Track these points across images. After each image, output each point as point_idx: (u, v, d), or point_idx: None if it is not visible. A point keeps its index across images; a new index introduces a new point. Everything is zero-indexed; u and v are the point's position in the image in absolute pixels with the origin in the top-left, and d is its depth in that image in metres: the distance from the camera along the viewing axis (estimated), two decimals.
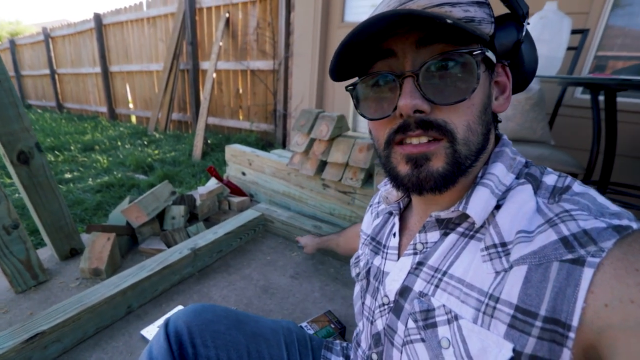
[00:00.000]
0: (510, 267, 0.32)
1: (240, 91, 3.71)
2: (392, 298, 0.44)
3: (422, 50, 0.35)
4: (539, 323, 0.29)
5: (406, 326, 0.40)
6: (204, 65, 3.87)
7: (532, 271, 0.30)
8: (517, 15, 0.38)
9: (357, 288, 0.56)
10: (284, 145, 3.36)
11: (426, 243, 0.42)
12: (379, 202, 0.60)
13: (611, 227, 0.28)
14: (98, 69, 5.24)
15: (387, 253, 0.49)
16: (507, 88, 0.41)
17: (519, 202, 0.35)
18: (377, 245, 0.53)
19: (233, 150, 1.97)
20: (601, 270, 0.27)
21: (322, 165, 1.56)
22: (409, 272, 0.42)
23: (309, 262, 1.35)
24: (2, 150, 1.10)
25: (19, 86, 7.60)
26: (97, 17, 4.91)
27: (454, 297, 0.36)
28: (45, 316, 0.87)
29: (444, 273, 0.38)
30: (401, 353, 0.41)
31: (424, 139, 0.36)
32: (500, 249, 0.34)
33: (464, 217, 0.39)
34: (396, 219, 0.50)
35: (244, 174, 1.96)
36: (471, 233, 0.38)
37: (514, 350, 0.30)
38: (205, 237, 1.31)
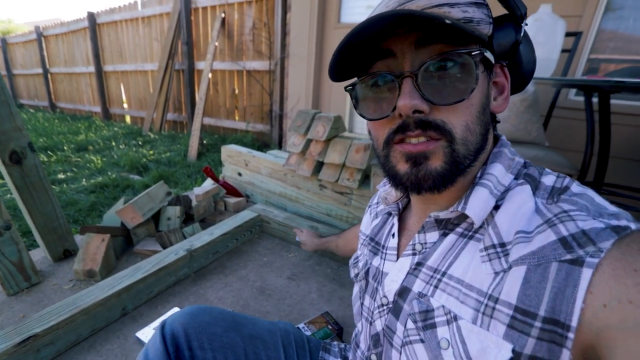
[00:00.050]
0: (509, 268, 0.32)
1: (236, 91, 3.69)
2: (391, 299, 0.44)
3: (421, 51, 0.35)
4: (538, 323, 0.29)
5: (405, 327, 0.40)
6: (200, 65, 3.85)
7: (531, 272, 0.30)
8: (515, 16, 0.38)
9: (355, 288, 0.56)
10: (280, 146, 3.36)
11: (425, 243, 0.42)
12: (377, 203, 0.60)
13: (610, 228, 0.28)
14: (92, 69, 5.19)
15: (386, 254, 0.49)
16: (505, 88, 0.41)
17: (518, 203, 0.35)
18: (375, 245, 0.53)
19: (229, 151, 1.96)
20: (600, 271, 0.27)
21: (319, 166, 1.56)
22: (407, 273, 0.42)
23: (306, 263, 1.35)
24: None
25: (11, 85, 7.50)
26: (91, 16, 4.86)
27: (453, 297, 0.36)
28: (38, 319, 0.86)
29: (443, 273, 0.38)
30: (400, 354, 0.41)
31: (422, 139, 0.36)
32: (499, 250, 0.34)
33: (463, 217, 0.39)
34: (395, 220, 0.50)
35: (240, 174, 1.95)
36: (470, 233, 0.38)
37: (513, 350, 0.30)
38: (201, 238, 1.30)
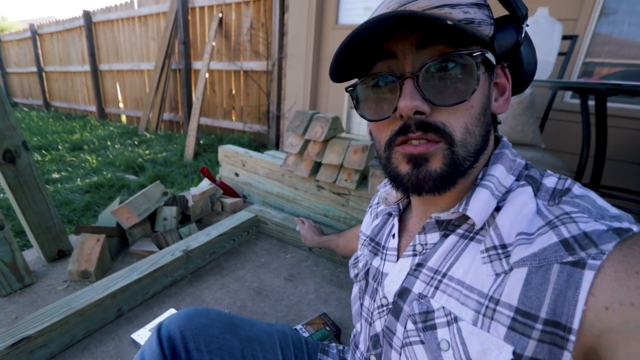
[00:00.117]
0: (511, 269, 0.32)
1: (233, 92, 3.68)
2: (390, 299, 0.43)
3: (422, 52, 0.35)
4: (539, 325, 0.29)
5: (405, 328, 0.40)
6: (197, 65, 3.83)
7: (532, 273, 0.30)
8: (516, 17, 0.38)
9: (355, 289, 0.56)
10: (277, 147, 3.35)
11: (426, 244, 0.42)
12: (378, 203, 0.60)
13: (612, 230, 0.28)
14: (87, 67, 5.15)
15: (386, 254, 0.49)
16: (506, 89, 0.41)
17: (519, 204, 0.35)
18: (376, 246, 0.53)
19: (226, 151, 1.95)
20: (602, 273, 0.27)
21: (317, 166, 1.56)
22: (408, 274, 0.42)
23: (304, 264, 1.34)
24: None
25: (5, 84, 7.42)
26: (87, 15, 4.83)
27: (453, 299, 0.36)
28: (31, 320, 0.84)
29: (444, 275, 0.38)
30: (400, 355, 0.41)
31: (423, 141, 0.36)
32: (500, 251, 0.34)
33: (464, 218, 0.39)
34: (395, 220, 0.50)
35: (237, 174, 1.95)
36: (471, 235, 0.38)
37: (514, 352, 0.30)
38: (197, 238, 1.29)
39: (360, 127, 2.79)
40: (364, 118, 0.41)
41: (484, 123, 0.38)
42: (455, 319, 0.35)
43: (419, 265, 0.41)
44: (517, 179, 0.39)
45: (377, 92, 0.38)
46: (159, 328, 0.53)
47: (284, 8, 2.91)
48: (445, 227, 0.41)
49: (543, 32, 1.43)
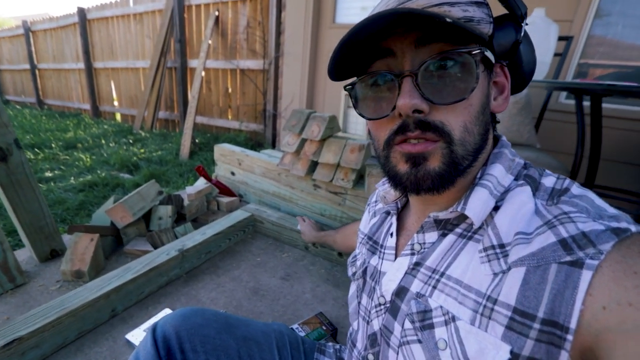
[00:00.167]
0: (509, 269, 0.32)
1: (230, 90, 3.67)
2: (388, 298, 0.43)
3: (421, 50, 0.35)
4: (536, 325, 0.29)
5: (403, 327, 0.40)
6: (193, 63, 3.81)
7: (530, 273, 0.30)
8: (515, 16, 0.38)
9: (353, 287, 0.55)
10: (273, 146, 3.34)
11: (424, 243, 0.42)
12: (376, 201, 0.60)
13: (610, 230, 0.28)
14: (81, 65, 5.09)
15: (384, 253, 0.49)
16: (505, 88, 0.41)
17: (518, 204, 0.35)
18: (374, 244, 0.53)
19: (222, 150, 1.94)
20: (600, 273, 0.27)
21: (313, 165, 1.56)
22: (405, 273, 0.42)
23: (300, 263, 1.34)
24: None
25: None
26: (81, 12, 4.77)
27: (451, 298, 0.36)
28: (23, 321, 0.83)
29: (442, 274, 0.38)
30: (397, 354, 0.41)
31: (421, 140, 0.36)
32: (498, 251, 0.34)
33: (463, 217, 0.39)
34: (394, 219, 0.50)
35: (233, 173, 1.94)
36: (469, 234, 0.38)
37: (511, 352, 0.30)
38: (193, 238, 1.28)
39: (356, 127, 2.80)
40: (363, 117, 0.40)
41: (483, 122, 0.38)
42: (453, 318, 0.35)
43: (417, 264, 0.41)
44: (516, 179, 0.39)
45: (375, 91, 0.38)
46: (154, 328, 0.52)
47: (281, 6, 2.90)
48: (444, 227, 0.41)
49: (539, 33, 1.44)
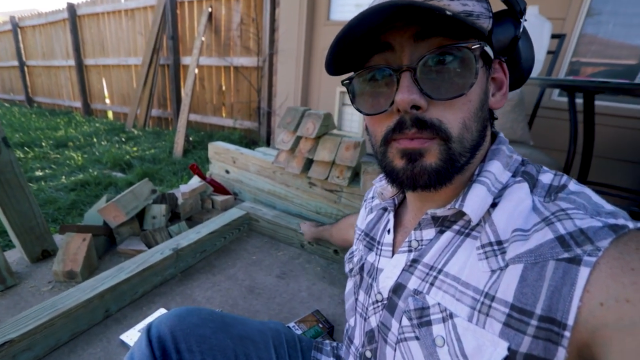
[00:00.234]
0: (506, 266, 0.32)
1: (223, 88, 3.63)
2: (385, 295, 0.43)
3: (420, 44, 0.34)
4: (534, 322, 0.29)
5: (400, 324, 0.40)
6: (186, 60, 3.77)
7: (528, 270, 0.30)
8: (514, 12, 0.37)
9: (350, 284, 0.55)
10: (268, 143, 3.33)
11: (421, 240, 0.42)
12: (373, 198, 0.60)
13: (607, 226, 0.28)
14: (72, 62, 5.00)
15: (381, 250, 0.49)
16: (504, 85, 0.41)
17: (515, 201, 0.35)
18: (370, 241, 0.52)
19: (216, 148, 1.92)
20: (597, 270, 0.27)
21: (308, 163, 1.55)
22: (403, 270, 0.42)
23: (296, 261, 1.33)
24: None
25: None
26: (71, 7, 4.68)
27: (449, 295, 0.36)
28: (14, 323, 0.81)
29: (439, 271, 0.38)
30: (395, 351, 0.41)
31: (418, 136, 0.36)
32: (496, 247, 0.34)
33: (460, 214, 0.39)
34: (391, 216, 0.50)
35: (227, 172, 1.92)
36: (467, 231, 0.38)
37: (509, 349, 0.30)
38: (187, 236, 1.27)
39: (351, 124, 2.79)
40: (360, 112, 0.40)
41: (481, 118, 0.38)
42: (451, 315, 0.35)
43: (414, 261, 0.41)
44: (514, 175, 0.39)
45: (373, 86, 0.38)
46: (148, 328, 0.52)
47: (275, 3, 2.88)
48: (441, 223, 0.41)
49: (533, 30, 1.44)
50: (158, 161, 2.88)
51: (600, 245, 0.27)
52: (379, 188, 0.53)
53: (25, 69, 6.08)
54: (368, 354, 0.46)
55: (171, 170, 2.64)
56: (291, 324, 0.93)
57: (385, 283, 0.44)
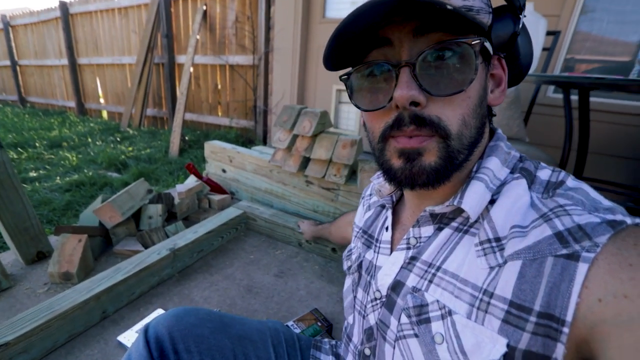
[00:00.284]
0: (505, 262, 0.32)
1: (219, 86, 3.61)
2: (384, 292, 0.43)
3: (419, 40, 0.34)
4: (533, 318, 0.29)
5: (399, 321, 0.40)
6: (180, 59, 3.74)
7: (526, 266, 0.30)
8: (514, 7, 0.37)
9: (348, 281, 0.55)
10: (264, 142, 3.32)
11: (420, 238, 0.42)
12: (370, 195, 0.60)
13: (605, 222, 0.28)
14: (65, 61, 4.94)
15: (379, 247, 0.49)
16: (502, 81, 0.41)
17: (513, 197, 0.35)
18: (369, 238, 0.52)
19: (213, 147, 1.91)
20: (595, 266, 0.27)
21: (305, 161, 1.55)
22: (401, 267, 0.42)
23: (294, 260, 1.33)
24: None
25: None
26: (63, 6, 4.62)
27: (447, 292, 0.36)
28: (10, 325, 0.80)
29: (438, 268, 0.38)
30: (394, 348, 0.40)
31: (416, 133, 0.35)
32: (494, 244, 0.34)
33: (459, 211, 0.39)
34: (389, 213, 0.50)
35: (224, 171, 1.91)
36: (465, 228, 0.38)
37: (508, 345, 0.30)
38: (184, 236, 1.26)
39: (348, 122, 2.79)
40: (359, 108, 0.39)
41: (480, 115, 0.37)
42: (450, 313, 0.35)
43: (413, 258, 0.41)
44: (512, 172, 0.39)
45: (372, 81, 0.37)
46: (146, 329, 0.51)
47: (270, 1, 2.86)
48: (440, 221, 0.41)
49: (528, 27, 1.44)
50: (154, 161, 2.86)
51: (599, 241, 0.27)
52: (377, 185, 0.53)
53: (18, 68, 6.00)
54: (367, 351, 0.46)
55: (167, 170, 2.63)
56: (290, 323, 0.93)
57: (383, 280, 0.44)
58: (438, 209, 0.39)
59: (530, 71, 1.54)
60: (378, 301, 0.44)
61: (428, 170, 0.35)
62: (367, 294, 0.47)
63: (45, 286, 1.10)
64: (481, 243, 0.35)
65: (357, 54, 0.38)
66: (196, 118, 3.87)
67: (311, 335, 0.90)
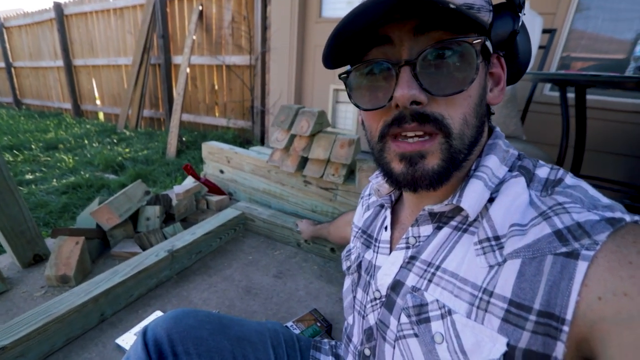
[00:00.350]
0: (504, 261, 0.32)
1: (216, 87, 3.60)
2: (383, 292, 0.43)
3: (419, 38, 0.33)
4: (533, 317, 0.29)
5: (399, 321, 0.40)
6: (177, 59, 3.72)
7: (526, 265, 0.30)
8: (513, 5, 0.37)
9: (347, 281, 0.55)
10: (262, 142, 3.31)
11: (419, 237, 0.42)
12: (369, 195, 0.59)
13: (604, 220, 0.28)
14: (60, 63, 4.91)
15: (378, 247, 0.48)
16: (501, 79, 0.41)
17: (512, 195, 0.35)
18: (368, 238, 0.52)
19: (210, 148, 1.90)
20: (595, 264, 0.27)
21: (303, 161, 1.54)
22: (401, 267, 0.42)
23: (292, 260, 1.33)
24: None
25: None
26: (58, 7, 4.59)
27: (447, 291, 0.36)
28: (7, 329, 0.80)
29: (437, 267, 0.38)
30: (394, 348, 0.40)
31: (419, 133, 0.35)
32: (493, 243, 0.34)
33: (458, 210, 0.39)
34: (388, 212, 0.49)
35: (222, 171, 1.91)
36: (464, 227, 0.38)
37: (508, 344, 0.30)
38: (182, 238, 1.26)
39: (345, 122, 2.79)
40: (358, 107, 0.39)
41: (480, 114, 0.37)
42: (449, 312, 0.34)
43: (412, 257, 0.41)
44: (510, 170, 0.39)
45: (371, 80, 0.37)
46: (144, 332, 0.51)
47: (266, 1, 2.85)
48: (439, 219, 0.40)
49: (525, 25, 1.46)
50: (151, 162, 2.84)
51: (598, 239, 0.27)
52: (375, 185, 0.53)
53: (12, 70, 5.96)
54: (367, 352, 0.46)
55: (164, 171, 2.62)
56: (289, 324, 0.93)
57: (383, 280, 0.43)
58: (437, 208, 0.39)
59: (527, 69, 1.55)
60: (378, 301, 0.44)
61: (431, 173, 0.35)
62: (367, 294, 0.47)
63: (42, 289, 1.09)
64: (480, 242, 0.35)
65: (356, 52, 0.37)
66: (193, 119, 3.86)
67: (310, 335, 0.90)
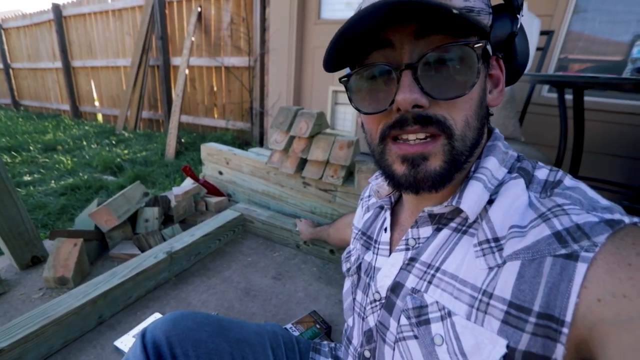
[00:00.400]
0: (504, 263, 0.32)
1: (215, 88, 3.60)
2: (383, 294, 0.43)
3: (420, 42, 0.33)
4: (532, 319, 0.29)
5: (399, 323, 0.40)
6: (176, 61, 3.72)
7: (525, 266, 0.30)
8: (512, 7, 0.37)
9: (347, 283, 0.55)
10: (261, 144, 3.31)
11: (418, 238, 0.42)
12: (369, 196, 0.59)
13: (604, 222, 0.28)
14: (59, 64, 4.90)
15: (378, 248, 0.48)
16: (500, 81, 0.41)
17: (512, 197, 0.35)
18: (368, 240, 0.52)
19: (209, 149, 1.90)
20: (594, 265, 0.27)
21: (302, 163, 1.54)
22: (400, 268, 0.42)
23: (291, 262, 1.33)
24: None
25: None
26: (56, 8, 4.58)
27: (447, 293, 0.36)
28: (4, 332, 0.79)
29: (437, 269, 0.38)
30: (394, 350, 0.40)
31: (421, 135, 0.35)
32: (493, 244, 0.34)
33: (457, 212, 0.39)
34: (387, 214, 0.49)
35: (221, 173, 1.90)
36: (464, 228, 0.38)
37: (507, 346, 0.30)
38: (181, 239, 1.26)
39: (344, 123, 2.79)
40: (358, 110, 0.39)
41: (480, 116, 0.37)
42: (449, 314, 0.34)
43: (412, 259, 0.41)
44: (510, 172, 0.39)
45: (372, 84, 0.37)
46: (143, 334, 0.51)
47: (265, 2, 2.86)
48: (438, 221, 0.40)
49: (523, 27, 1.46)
50: (150, 164, 2.84)
51: (597, 241, 0.27)
52: (375, 186, 0.53)
53: (11, 71, 5.95)
54: (367, 353, 0.46)
55: (163, 173, 2.61)
56: (288, 326, 0.93)
57: (383, 282, 0.43)
58: (437, 210, 0.39)
59: (525, 71, 1.56)
60: (377, 303, 0.44)
61: (433, 175, 0.35)
62: (367, 296, 0.47)
63: (40, 291, 1.09)
64: (480, 243, 0.35)
65: (357, 55, 0.37)
66: (192, 120, 3.85)
67: (310, 337, 0.90)
